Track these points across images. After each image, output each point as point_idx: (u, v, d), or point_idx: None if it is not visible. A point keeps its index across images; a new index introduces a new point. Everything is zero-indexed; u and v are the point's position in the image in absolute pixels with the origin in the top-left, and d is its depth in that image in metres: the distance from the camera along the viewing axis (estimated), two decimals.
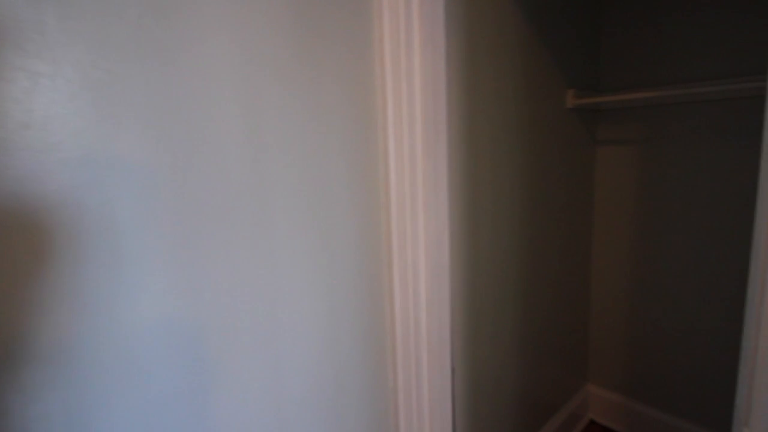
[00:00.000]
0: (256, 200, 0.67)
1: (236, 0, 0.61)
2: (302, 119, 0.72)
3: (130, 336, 0.55)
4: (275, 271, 0.70)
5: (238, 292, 0.66)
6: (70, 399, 0.51)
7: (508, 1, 1.22)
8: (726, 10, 1.38)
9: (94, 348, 0.52)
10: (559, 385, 1.71)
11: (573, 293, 1.73)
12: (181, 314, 0.60)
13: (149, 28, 0.53)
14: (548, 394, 1.65)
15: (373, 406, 0.91)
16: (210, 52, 0.59)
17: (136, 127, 0.53)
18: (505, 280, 1.35)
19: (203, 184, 0.60)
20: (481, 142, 1.19)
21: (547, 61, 1.39)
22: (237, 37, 0.62)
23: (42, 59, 0.46)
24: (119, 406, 0.55)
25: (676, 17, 1.48)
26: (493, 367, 1.36)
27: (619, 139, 1.68)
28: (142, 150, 0.54)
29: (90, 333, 0.52)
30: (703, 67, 1.44)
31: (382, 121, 0.89)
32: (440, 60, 0.91)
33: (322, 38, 0.74)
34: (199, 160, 0.59)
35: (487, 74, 1.18)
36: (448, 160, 0.97)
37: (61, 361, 0.50)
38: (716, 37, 1.41)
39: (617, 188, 1.71)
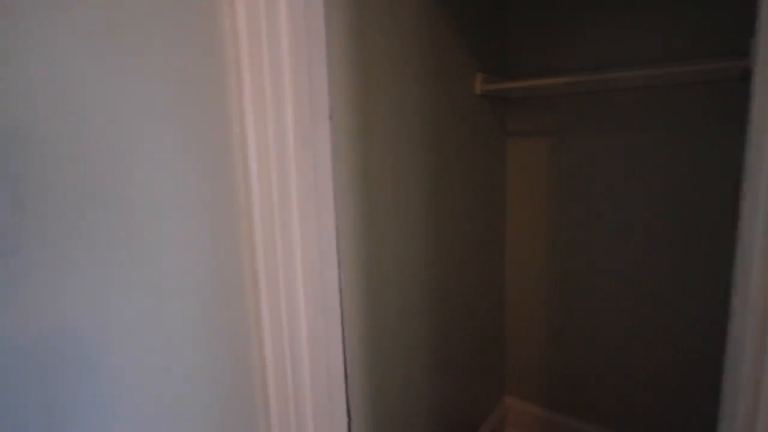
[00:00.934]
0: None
1: None
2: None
3: None
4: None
5: None
6: None
7: None
8: None
9: None
10: (476, 401, 1.60)
11: (487, 299, 1.63)
12: None
13: None
14: (465, 411, 1.53)
15: None
16: None
17: None
18: (411, 290, 1.18)
19: None
20: (377, 130, 0.99)
21: (453, 41, 1.24)
22: None
23: None
24: None
25: (584, 6, 1.41)
26: (402, 389, 1.19)
27: (531, 130, 1.60)
28: None
29: None
30: (618, 53, 1.39)
31: (236, 95, 0.64)
32: (317, 16, 0.68)
33: None
34: None
35: (381, 48, 0.98)
36: (335, 150, 0.75)
37: None
38: (631, 22, 1.36)
39: (530, 183, 1.63)
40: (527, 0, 1.51)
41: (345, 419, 0.77)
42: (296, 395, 0.71)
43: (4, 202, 0.41)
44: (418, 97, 1.11)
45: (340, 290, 0.75)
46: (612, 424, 1.59)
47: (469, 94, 1.35)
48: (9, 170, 0.42)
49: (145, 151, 0.52)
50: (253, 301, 0.68)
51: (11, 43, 0.41)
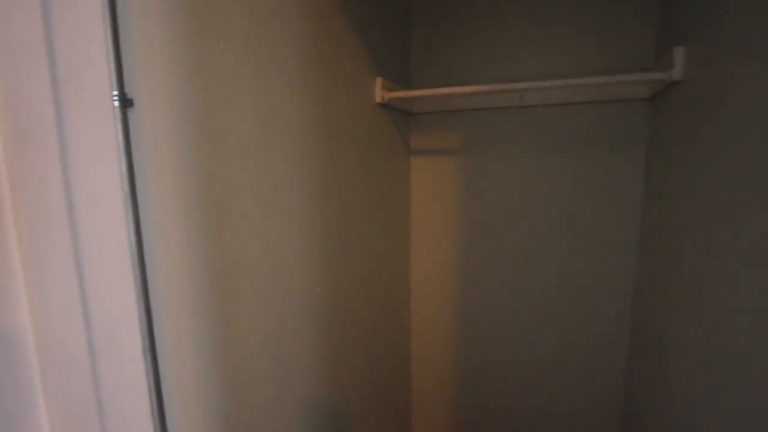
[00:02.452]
0: None
1: None
2: None
3: None
4: None
5: None
6: None
7: None
8: (546, 10, 1.25)
9: None
10: None
11: (391, 332, 1.41)
12: None
13: None
14: None
15: None
16: None
17: None
18: (293, 331, 0.91)
19: None
20: (233, 140, 0.73)
21: (350, 43, 1.03)
22: None
23: None
24: None
25: (491, 16, 1.31)
26: None
27: (436, 147, 1.45)
28: None
29: None
30: (529, 69, 1.30)
31: None
32: None
33: None
34: None
35: (238, 35, 0.73)
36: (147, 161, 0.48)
37: None
38: (543, 39, 1.27)
39: (435, 204, 1.48)
40: (431, 10, 1.37)
41: None
42: None
43: None
44: (300, 104, 0.87)
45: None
46: None
47: (368, 103, 1.15)
48: None
49: None
50: None
51: None
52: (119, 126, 0.48)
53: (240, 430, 0.74)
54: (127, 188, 0.49)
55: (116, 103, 0.47)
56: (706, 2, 0.81)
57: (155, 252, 0.56)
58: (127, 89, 0.49)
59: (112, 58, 0.45)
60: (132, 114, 0.50)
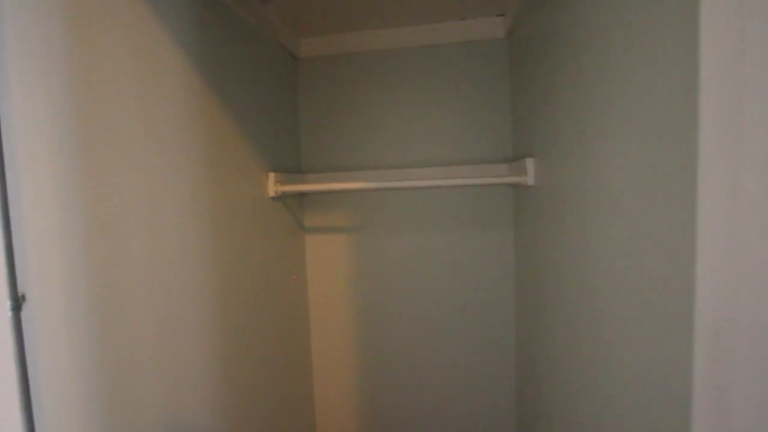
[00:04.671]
0: None
1: None
2: None
3: None
4: None
5: None
6: None
7: (170, 46, 0.77)
8: (429, 106, 1.40)
9: None
10: None
11: (294, 413, 1.35)
12: None
13: None
14: None
15: None
16: None
17: None
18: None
19: None
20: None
21: (239, 141, 1.01)
22: None
23: None
24: None
25: (372, 106, 1.42)
26: None
27: (328, 225, 1.48)
28: None
29: None
30: (414, 156, 1.42)
31: None
32: None
33: None
34: None
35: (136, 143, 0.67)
36: None
37: None
38: (427, 129, 1.41)
39: (331, 281, 1.49)
40: (315, 103, 1.44)
41: None
42: None
43: None
44: (199, 224, 0.81)
45: None
46: None
47: (263, 196, 1.13)
48: None
49: None
50: None
51: None
52: (11, 334, 0.39)
53: None
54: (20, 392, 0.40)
55: (9, 313, 0.39)
56: (539, 127, 1.04)
57: None
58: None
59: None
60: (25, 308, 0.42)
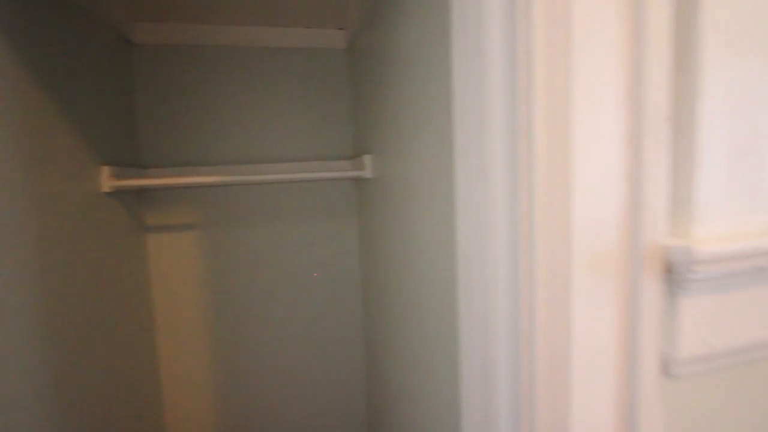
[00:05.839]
0: None
1: None
2: None
3: None
4: None
5: None
6: None
7: None
8: (273, 100, 1.44)
9: None
10: None
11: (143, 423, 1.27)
12: None
13: None
14: None
15: None
16: None
17: None
18: None
19: None
20: None
21: (65, 130, 0.92)
22: None
23: None
24: None
25: (222, 101, 1.42)
26: None
27: (175, 223, 1.42)
28: None
29: None
30: (262, 149, 1.45)
31: None
32: None
33: None
34: None
35: None
36: None
37: None
38: (266, 123, 1.45)
39: (180, 281, 1.43)
40: (158, 94, 1.37)
41: None
42: None
43: None
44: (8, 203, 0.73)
45: None
46: None
47: (93, 191, 1.04)
48: None
49: None
50: None
51: None
52: None
53: None
54: None
55: None
56: (374, 128, 1.21)
57: None
58: None
59: None
60: None
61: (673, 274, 0.41)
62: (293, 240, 1.54)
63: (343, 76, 1.54)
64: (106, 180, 1.08)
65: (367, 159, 1.28)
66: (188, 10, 1.31)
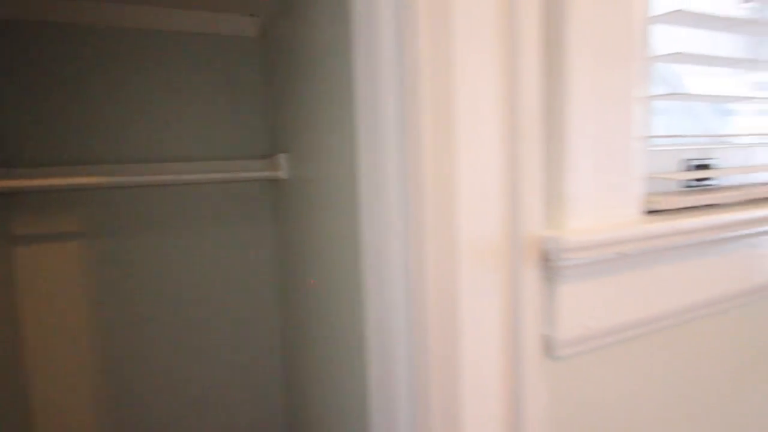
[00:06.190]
0: None
1: None
2: None
3: None
4: None
5: None
6: None
7: None
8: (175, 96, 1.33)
9: None
10: None
11: None
12: None
13: None
14: None
15: None
16: None
17: None
18: None
19: None
20: None
21: None
22: None
23: None
24: None
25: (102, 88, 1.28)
26: None
27: (55, 232, 1.24)
28: None
29: None
30: (155, 148, 1.33)
31: None
32: None
33: None
34: None
35: None
36: None
37: None
38: (171, 118, 1.33)
39: (62, 300, 1.26)
40: (21, 83, 1.19)
41: None
42: None
43: None
44: None
45: None
46: None
47: None
48: None
49: None
50: None
51: None
52: None
53: None
54: None
55: None
56: (291, 125, 1.18)
57: None
58: None
59: None
60: None
61: (549, 262, 0.45)
62: (201, 248, 1.43)
63: (256, 67, 1.47)
64: None
65: (282, 158, 1.25)
66: None
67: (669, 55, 0.53)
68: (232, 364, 1.49)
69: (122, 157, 1.30)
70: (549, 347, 0.50)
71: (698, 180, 0.74)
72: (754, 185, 0.75)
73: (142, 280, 1.35)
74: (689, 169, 0.69)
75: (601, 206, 0.50)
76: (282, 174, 1.25)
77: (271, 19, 1.31)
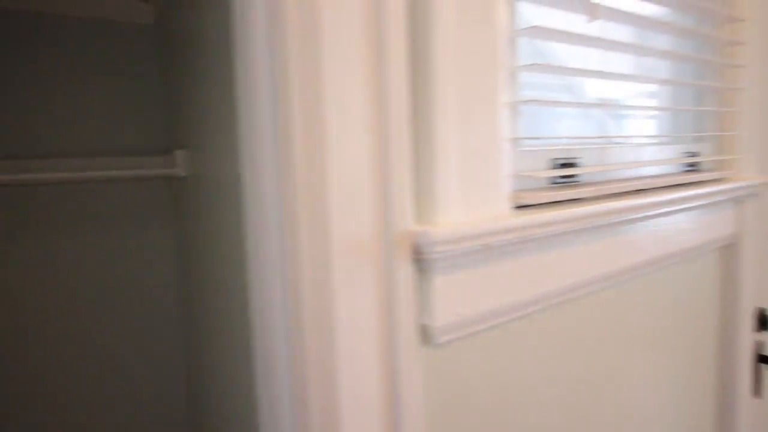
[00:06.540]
0: None
1: None
2: None
3: None
4: None
5: None
6: None
7: None
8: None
9: None
10: None
11: None
12: None
13: None
14: None
15: None
16: None
17: None
18: None
19: None
20: None
21: None
22: None
23: None
24: None
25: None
26: None
27: None
28: None
29: None
30: (44, 142, 1.17)
31: None
32: None
33: None
34: None
35: None
36: None
37: None
38: (62, 111, 1.18)
39: None
40: None
41: None
42: None
43: None
44: None
45: None
46: None
47: None
48: None
49: None
50: None
51: None
52: None
53: None
54: None
55: None
56: (190, 120, 1.12)
57: None
58: None
59: None
60: None
61: (421, 255, 0.48)
62: (95, 249, 1.30)
63: (150, 57, 1.37)
64: None
65: (179, 155, 1.18)
66: None
67: (528, 65, 0.59)
68: (131, 371, 1.38)
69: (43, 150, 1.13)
70: (427, 335, 0.53)
71: (565, 177, 0.83)
72: (612, 181, 0.87)
73: (28, 284, 1.19)
74: (555, 167, 0.78)
75: (472, 203, 0.55)
76: (179, 171, 1.18)
77: (165, 5, 1.22)
